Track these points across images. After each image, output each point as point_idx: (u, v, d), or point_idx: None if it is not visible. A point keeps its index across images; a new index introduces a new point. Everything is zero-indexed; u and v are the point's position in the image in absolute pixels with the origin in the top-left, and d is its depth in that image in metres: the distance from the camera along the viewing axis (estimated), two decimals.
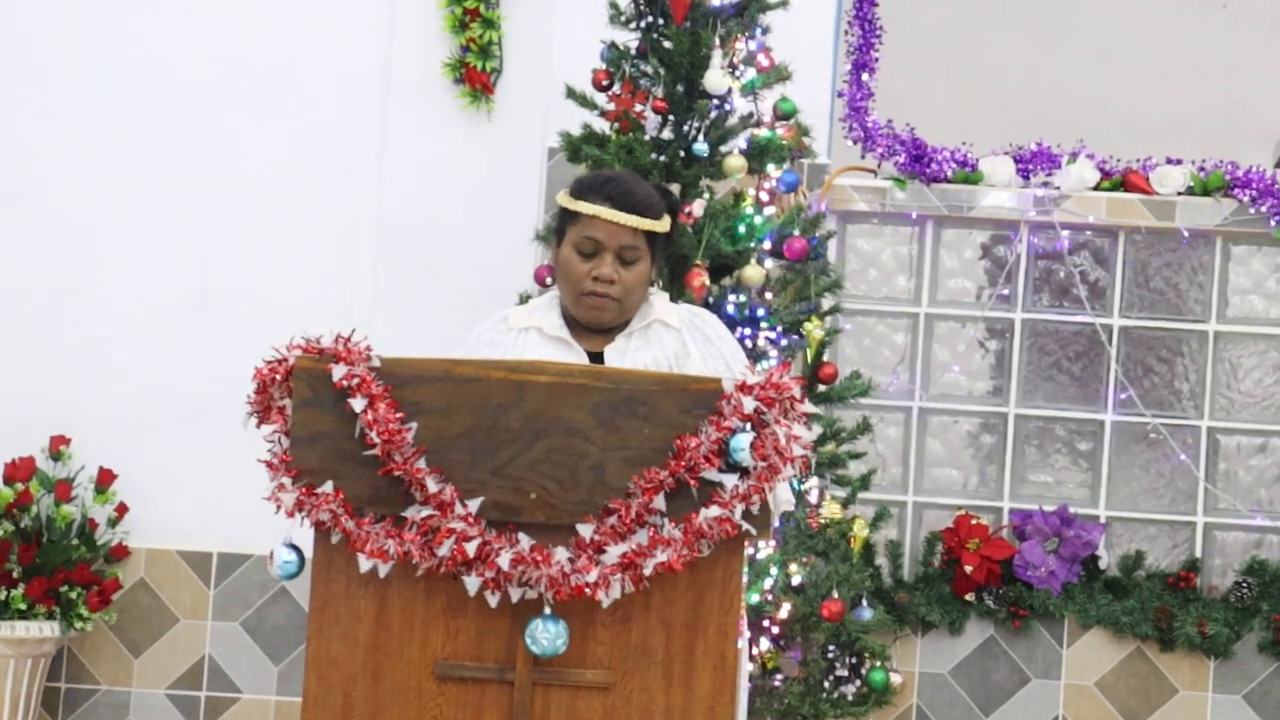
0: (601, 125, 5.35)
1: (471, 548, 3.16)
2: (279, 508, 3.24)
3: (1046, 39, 8.14)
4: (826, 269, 5.53)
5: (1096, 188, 6.18)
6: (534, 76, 6.07)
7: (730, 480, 3.19)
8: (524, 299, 5.24)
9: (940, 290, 6.29)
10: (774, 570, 5.19)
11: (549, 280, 5.25)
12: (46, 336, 6.13)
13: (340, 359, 3.23)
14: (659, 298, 3.84)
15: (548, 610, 3.18)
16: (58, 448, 6.00)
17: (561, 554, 3.17)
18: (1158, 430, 6.17)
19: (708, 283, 5.13)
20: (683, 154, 5.29)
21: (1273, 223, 6.10)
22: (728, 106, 5.29)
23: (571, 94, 5.37)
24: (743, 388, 3.21)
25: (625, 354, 3.73)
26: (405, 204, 6.14)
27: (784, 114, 5.39)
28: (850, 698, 5.38)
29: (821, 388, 5.35)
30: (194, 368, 6.09)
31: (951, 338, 6.29)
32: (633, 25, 5.35)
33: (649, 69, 5.33)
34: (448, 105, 6.15)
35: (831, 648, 5.40)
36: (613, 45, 5.36)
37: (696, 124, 5.27)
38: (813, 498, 5.39)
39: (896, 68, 6.53)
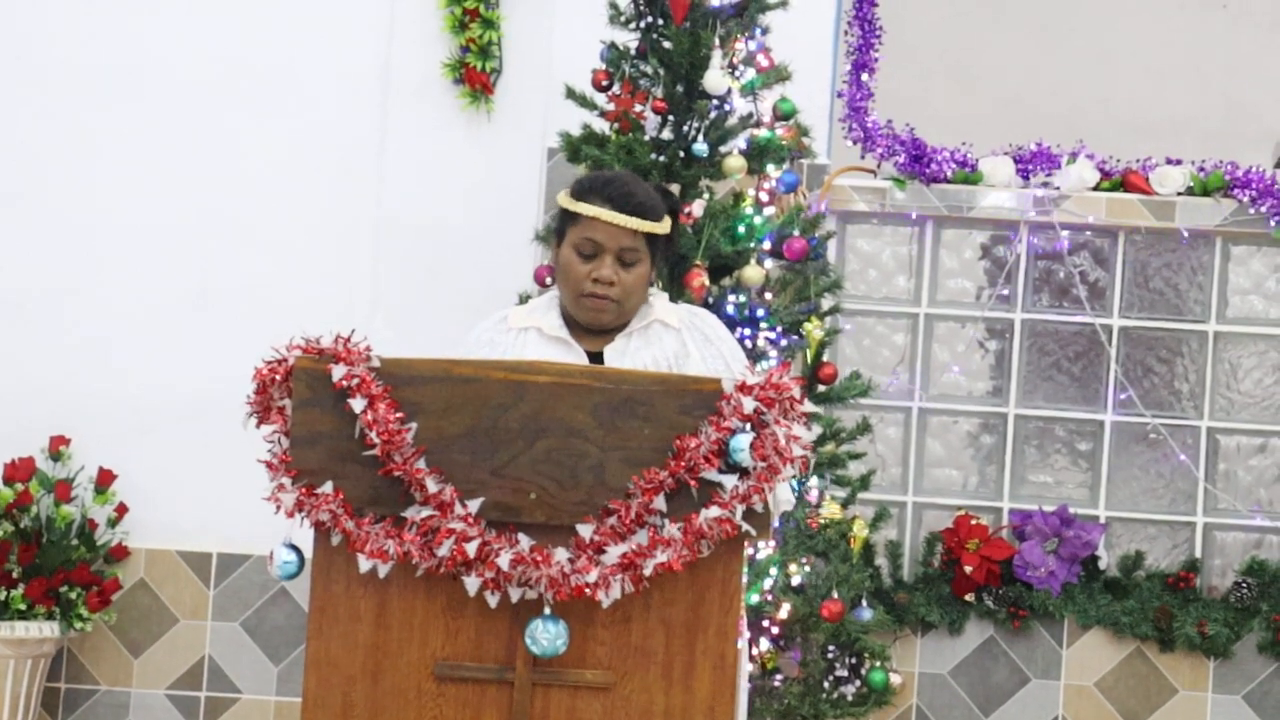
0: (601, 125, 5.35)
1: (471, 548, 3.16)
2: (279, 508, 3.24)
3: (1046, 39, 8.14)
4: (826, 269, 5.53)
5: (1096, 188, 6.18)
6: (534, 77, 6.07)
7: (730, 480, 3.19)
8: (524, 299, 5.24)
9: (940, 290, 6.29)
10: (774, 570, 5.19)
11: (549, 280, 5.25)
12: (46, 336, 6.13)
13: (340, 359, 3.23)
14: (659, 298, 3.84)
15: (548, 610, 3.18)
16: (58, 448, 6.00)
17: (561, 554, 3.17)
18: (1157, 430, 6.17)
19: (707, 283, 5.13)
20: (682, 154, 5.29)
21: (1272, 223, 6.10)
22: (727, 107, 5.29)
23: (571, 94, 5.37)
24: (742, 388, 3.21)
25: (625, 354, 3.73)
26: (405, 204, 6.14)
27: (784, 114, 5.39)
28: (850, 698, 5.39)
29: (821, 388, 5.35)
30: (194, 368, 6.09)
31: (951, 338, 6.29)
32: (632, 25, 5.35)
33: (649, 69, 5.33)
34: (447, 105, 6.15)
35: (831, 648, 5.40)
36: (612, 45, 5.36)
37: (696, 124, 5.27)
38: (812, 498, 5.39)
39: (896, 68, 6.53)
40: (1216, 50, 8.10)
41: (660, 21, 5.30)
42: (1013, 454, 6.22)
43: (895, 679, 5.48)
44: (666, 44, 5.28)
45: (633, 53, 5.33)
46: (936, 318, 6.29)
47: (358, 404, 3.19)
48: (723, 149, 5.28)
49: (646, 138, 5.26)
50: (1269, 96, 7.77)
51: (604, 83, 5.31)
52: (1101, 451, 6.20)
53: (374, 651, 3.25)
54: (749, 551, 4.41)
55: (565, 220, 3.77)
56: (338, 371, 3.21)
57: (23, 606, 5.78)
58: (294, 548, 3.31)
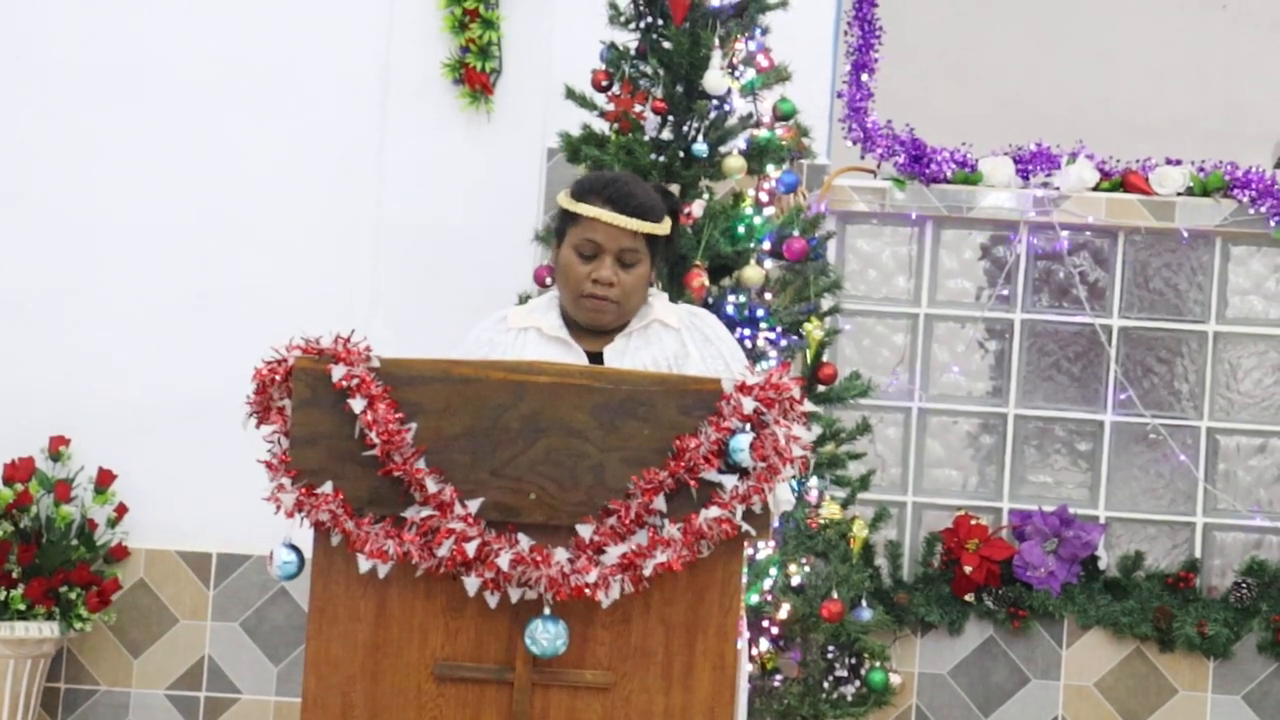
0: (601, 126, 5.35)
1: (471, 548, 3.16)
2: (278, 508, 3.24)
3: (1046, 39, 8.14)
4: (826, 269, 5.53)
5: (1096, 188, 6.18)
6: (533, 77, 6.08)
7: (730, 481, 3.19)
8: (523, 299, 5.24)
9: (940, 291, 6.29)
10: (773, 571, 5.19)
11: (549, 280, 5.25)
12: (46, 336, 6.13)
13: (340, 359, 3.23)
14: (658, 298, 3.84)
15: (547, 611, 3.18)
16: (57, 448, 6.01)
17: (561, 554, 3.17)
18: (1157, 431, 6.17)
19: (707, 283, 5.13)
20: (682, 154, 5.29)
21: (1272, 223, 6.10)
22: (727, 107, 5.29)
23: (571, 94, 5.37)
24: (742, 388, 3.21)
25: (624, 354, 3.73)
26: (405, 204, 6.14)
27: (783, 114, 5.39)
28: (850, 698, 5.39)
29: (821, 388, 5.35)
30: (194, 368, 6.09)
31: (951, 338, 6.29)
32: (632, 26, 5.35)
33: (648, 69, 5.33)
34: (447, 105, 6.15)
35: (831, 648, 5.41)
36: (612, 46, 5.36)
37: (696, 124, 5.27)
38: (812, 498, 5.39)
39: (896, 68, 6.53)
40: (1216, 50, 8.10)
41: (660, 22, 5.30)
42: (1012, 454, 6.22)
43: (895, 679, 5.48)
44: (666, 44, 5.28)
45: (633, 53, 5.33)
46: (936, 318, 6.29)
47: (357, 404, 3.19)
48: (722, 149, 5.28)
49: (646, 138, 5.25)
50: (1269, 96, 7.77)
51: (604, 83, 5.31)
52: (1101, 452, 6.20)
53: (374, 651, 3.25)
54: (749, 552, 4.41)
55: (565, 221, 3.77)
56: (337, 372, 3.21)
57: (22, 607, 5.78)
58: (294, 548, 3.31)
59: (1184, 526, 6.18)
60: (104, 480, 5.99)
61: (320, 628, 3.26)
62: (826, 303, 5.57)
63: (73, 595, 5.85)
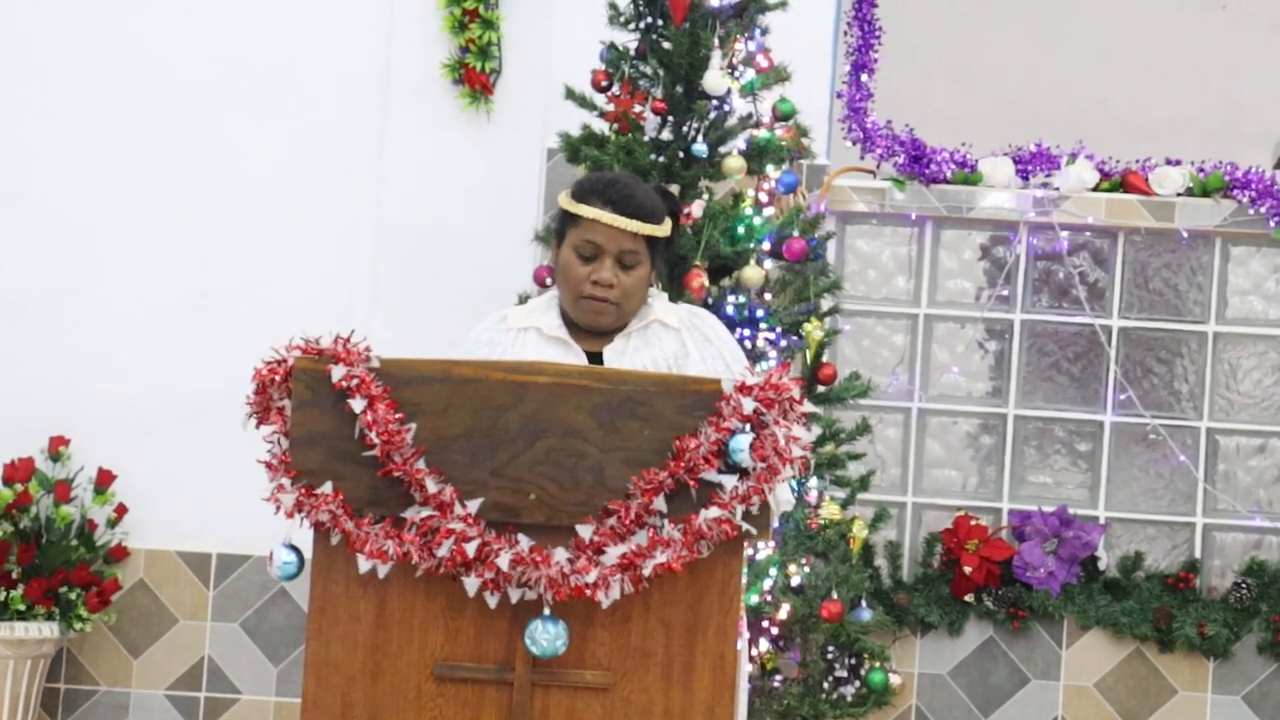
0: (601, 126, 5.35)
1: (471, 548, 3.16)
2: (278, 508, 3.24)
3: (1046, 39, 8.14)
4: (826, 270, 5.53)
5: (1096, 189, 6.18)
6: (533, 77, 6.08)
7: (730, 481, 3.19)
8: (523, 299, 5.24)
9: (939, 291, 6.29)
10: (773, 571, 5.19)
11: (549, 281, 5.25)
12: (46, 336, 6.13)
13: (339, 360, 3.23)
14: (658, 298, 3.84)
15: (547, 611, 3.18)
16: (57, 448, 6.00)
17: (561, 555, 3.17)
18: (1157, 431, 6.17)
19: (707, 284, 5.13)
20: (682, 155, 5.29)
21: (1272, 224, 6.10)
22: (727, 107, 5.29)
23: (571, 95, 5.37)
24: (742, 388, 3.21)
25: (624, 354, 3.73)
26: (405, 204, 6.14)
27: (783, 115, 5.39)
28: (849, 699, 5.39)
29: (821, 388, 5.35)
30: (194, 368, 6.09)
31: (951, 339, 6.29)
32: (632, 26, 5.35)
33: (648, 70, 5.33)
34: (447, 106, 6.15)
35: (831, 649, 5.41)
36: (612, 46, 5.36)
37: (696, 125, 5.27)
38: (812, 499, 5.39)
39: (896, 68, 6.53)
40: (1216, 50, 8.10)
41: (660, 22, 5.30)
42: (1012, 454, 6.22)
43: (895, 680, 5.48)
44: (666, 44, 5.29)
45: (632, 53, 5.33)
46: (936, 318, 6.29)
47: (357, 404, 3.19)
48: (722, 149, 5.28)
49: (646, 138, 5.26)
50: (1269, 96, 7.77)
51: (603, 83, 5.31)
52: (1101, 452, 6.20)
53: (373, 652, 3.25)
54: (748, 552, 4.41)
55: (565, 222, 3.77)
56: (337, 372, 3.21)
57: (22, 607, 5.78)
58: (294, 548, 3.31)
59: (1184, 527, 6.18)
60: (104, 480, 5.99)
61: (320, 628, 3.26)
62: (826, 303, 5.57)
63: (73, 595, 5.85)
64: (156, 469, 6.07)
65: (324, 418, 3.23)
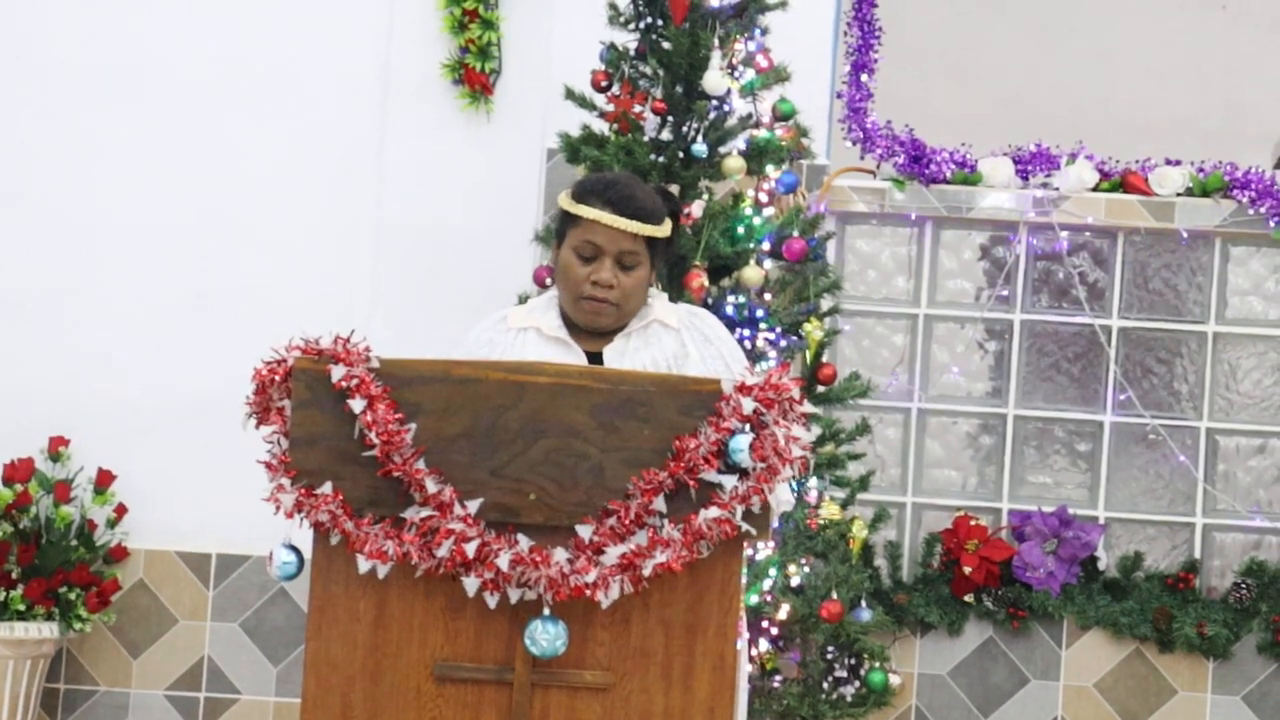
0: (600, 126, 5.35)
1: (471, 549, 3.16)
2: (278, 509, 3.24)
3: (1046, 39, 8.14)
4: (825, 270, 5.53)
5: (1095, 189, 6.18)
6: (533, 77, 6.08)
7: (729, 481, 3.19)
8: (523, 299, 5.23)
9: (939, 291, 6.29)
10: (773, 571, 5.19)
11: (548, 281, 5.25)
12: (46, 336, 6.13)
13: (339, 360, 3.23)
14: (658, 298, 3.84)
15: (547, 611, 3.18)
16: (57, 449, 6.00)
17: (561, 555, 3.17)
18: (1157, 431, 6.17)
19: (707, 284, 5.13)
20: (682, 155, 5.29)
21: (1272, 224, 6.10)
22: (727, 107, 5.29)
23: (570, 95, 5.37)
24: (742, 389, 3.21)
25: (624, 355, 3.73)
26: (405, 204, 6.14)
27: (783, 115, 5.39)
28: (849, 699, 5.38)
29: (820, 389, 5.35)
30: (194, 368, 6.09)
31: (950, 339, 6.29)
32: (632, 26, 5.35)
33: (648, 70, 5.33)
34: (447, 106, 6.15)
35: (830, 649, 5.40)
36: (612, 46, 5.36)
37: (695, 125, 5.27)
38: (812, 499, 5.39)
39: (896, 68, 6.53)
40: (1216, 50, 8.10)
41: (660, 22, 5.30)
42: (1012, 455, 6.22)
43: (894, 680, 5.48)
44: (666, 45, 5.29)
45: (632, 53, 5.33)
46: (936, 318, 6.29)
47: (357, 404, 3.19)
48: (722, 150, 5.28)
49: (646, 138, 5.26)
50: (1269, 96, 7.77)
51: (603, 83, 5.31)
52: (1101, 452, 6.20)
53: (373, 652, 3.25)
54: (748, 552, 4.40)
55: (565, 222, 3.77)
56: (337, 372, 3.21)
57: (22, 607, 5.78)
58: (293, 548, 3.31)
59: (1183, 527, 6.18)
60: (104, 481, 5.99)
61: (320, 628, 3.26)
62: (826, 303, 5.57)
63: (72, 596, 5.85)
64: (156, 469, 6.07)
65: (324, 418, 3.23)
